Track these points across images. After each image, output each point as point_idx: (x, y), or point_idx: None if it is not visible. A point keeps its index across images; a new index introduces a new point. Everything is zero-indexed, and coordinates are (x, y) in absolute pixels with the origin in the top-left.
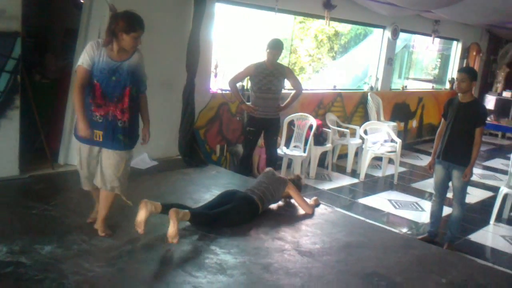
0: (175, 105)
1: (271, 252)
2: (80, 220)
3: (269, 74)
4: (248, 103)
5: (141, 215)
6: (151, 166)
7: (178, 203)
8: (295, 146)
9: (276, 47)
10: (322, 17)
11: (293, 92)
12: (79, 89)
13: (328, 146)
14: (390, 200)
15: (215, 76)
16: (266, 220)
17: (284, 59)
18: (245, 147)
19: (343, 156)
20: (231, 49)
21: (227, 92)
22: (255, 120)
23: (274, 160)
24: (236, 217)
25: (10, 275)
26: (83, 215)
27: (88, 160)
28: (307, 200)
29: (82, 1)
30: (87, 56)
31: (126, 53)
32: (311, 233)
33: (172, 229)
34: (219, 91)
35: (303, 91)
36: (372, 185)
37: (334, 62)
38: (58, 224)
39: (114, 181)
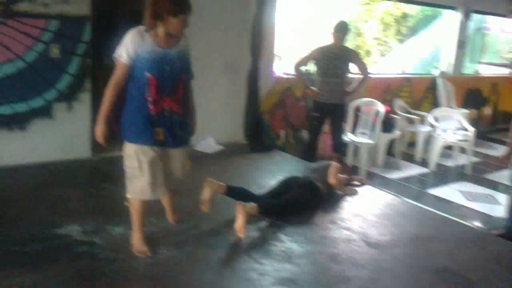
0: (240, 89)
1: (338, 242)
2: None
3: (335, 58)
4: (313, 88)
5: (206, 193)
6: (216, 151)
7: (242, 188)
8: (361, 133)
9: (341, 29)
10: None
11: (361, 78)
12: (115, 87)
13: (397, 133)
14: (461, 192)
15: (279, 59)
16: (332, 208)
17: (349, 42)
18: (310, 133)
19: (412, 144)
20: (296, 33)
21: (292, 76)
22: (320, 105)
23: (340, 147)
24: (301, 204)
25: (84, 254)
26: None
27: (151, 164)
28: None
29: None
30: (129, 47)
31: (173, 39)
32: (379, 223)
33: (239, 222)
34: (284, 75)
35: (369, 76)
36: (443, 175)
37: (402, 45)
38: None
39: (177, 182)
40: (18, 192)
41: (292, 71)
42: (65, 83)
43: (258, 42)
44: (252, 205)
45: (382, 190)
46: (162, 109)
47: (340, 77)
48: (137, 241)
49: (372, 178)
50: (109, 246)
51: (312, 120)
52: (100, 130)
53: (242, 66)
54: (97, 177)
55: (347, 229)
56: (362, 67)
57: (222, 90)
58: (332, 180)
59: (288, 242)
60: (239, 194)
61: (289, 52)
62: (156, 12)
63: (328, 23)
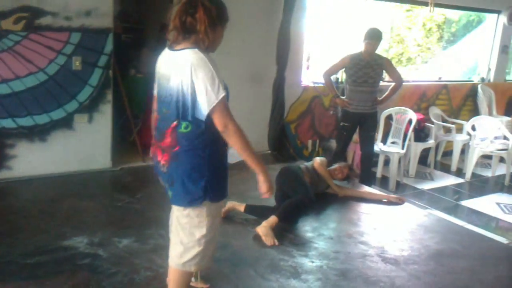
0: (265, 99)
1: (352, 257)
2: (161, 214)
3: (366, 66)
4: (342, 97)
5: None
6: (239, 161)
7: (260, 205)
8: (392, 142)
9: (373, 37)
10: (425, 4)
11: (392, 84)
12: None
13: (431, 142)
14: (498, 204)
15: (307, 68)
16: (351, 222)
17: (391, 50)
18: (339, 142)
19: (448, 153)
20: (326, 41)
21: (320, 85)
22: (350, 114)
23: (369, 157)
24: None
25: (85, 267)
26: (163, 209)
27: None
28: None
29: None
30: (219, 75)
31: None
32: (399, 238)
33: (268, 240)
34: (312, 84)
35: (404, 83)
36: (479, 186)
37: (444, 51)
38: (139, 217)
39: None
40: (33, 203)
41: (320, 79)
42: (86, 94)
43: (284, 51)
44: (270, 220)
45: (409, 201)
46: None
47: (371, 85)
48: None
49: (403, 189)
50: (112, 259)
51: (341, 130)
52: (269, 182)
53: (268, 76)
54: (114, 188)
55: (364, 243)
56: (395, 75)
57: (247, 99)
58: (316, 164)
59: (298, 256)
60: (257, 211)
61: (319, 60)
62: (220, 17)
63: (359, 30)
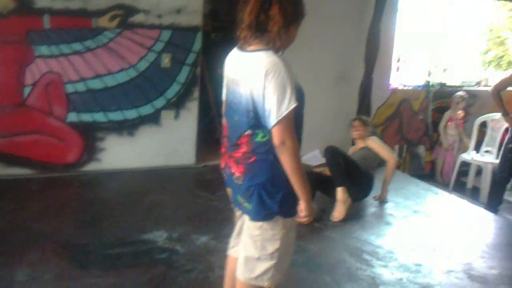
0: (351, 101)
1: (435, 271)
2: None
3: None
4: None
5: None
6: (322, 163)
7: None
8: (486, 151)
9: None
10: None
11: None
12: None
13: None
14: None
15: (397, 70)
16: (435, 233)
17: (489, 52)
18: (502, 166)
19: None
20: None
21: (409, 87)
22: None
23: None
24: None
25: (163, 261)
26: None
27: None
28: None
29: None
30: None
31: None
32: (488, 254)
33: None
34: (401, 87)
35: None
36: None
37: None
38: (218, 215)
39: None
40: (118, 195)
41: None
42: (174, 91)
43: (373, 52)
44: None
45: (504, 217)
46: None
47: None
48: None
49: None
50: (189, 255)
51: (508, 152)
52: (311, 210)
53: (355, 76)
54: (197, 185)
55: (449, 257)
56: None
57: (332, 101)
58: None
59: (378, 266)
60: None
61: (410, 62)
62: (296, 15)
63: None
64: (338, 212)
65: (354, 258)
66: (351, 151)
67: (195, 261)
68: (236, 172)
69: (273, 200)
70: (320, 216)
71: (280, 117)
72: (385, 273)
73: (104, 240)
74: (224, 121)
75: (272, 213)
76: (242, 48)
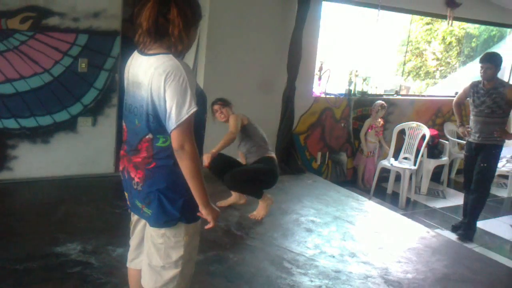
0: (274, 108)
1: (353, 277)
2: None
3: (484, 94)
4: (466, 126)
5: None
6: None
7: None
8: (405, 158)
9: (484, 60)
10: (444, 17)
11: None
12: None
13: (444, 159)
14: None
15: (319, 79)
16: (355, 239)
17: (408, 63)
18: (464, 172)
19: (462, 171)
20: (340, 51)
21: (331, 96)
22: (468, 144)
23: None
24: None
25: (76, 275)
26: None
27: None
28: None
29: None
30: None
31: None
32: (404, 259)
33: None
34: (323, 95)
35: (419, 98)
36: (494, 207)
37: (464, 67)
38: None
39: None
40: (30, 206)
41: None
42: (91, 97)
43: (295, 60)
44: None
45: (419, 220)
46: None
47: (489, 116)
48: None
49: (413, 206)
50: (104, 268)
51: (464, 160)
52: (213, 212)
53: (278, 85)
54: (115, 194)
55: (367, 263)
56: None
57: (256, 108)
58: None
59: (297, 274)
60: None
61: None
62: (195, 17)
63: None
64: (258, 212)
65: (274, 267)
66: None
67: (110, 274)
68: (135, 177)
69: (174, 206)
70: (242, 225)
71: (179, 121)
72: (305, 280)
73: (13, 254)
74: (123, 125)
75: (173, 219)
76: (142, 52)
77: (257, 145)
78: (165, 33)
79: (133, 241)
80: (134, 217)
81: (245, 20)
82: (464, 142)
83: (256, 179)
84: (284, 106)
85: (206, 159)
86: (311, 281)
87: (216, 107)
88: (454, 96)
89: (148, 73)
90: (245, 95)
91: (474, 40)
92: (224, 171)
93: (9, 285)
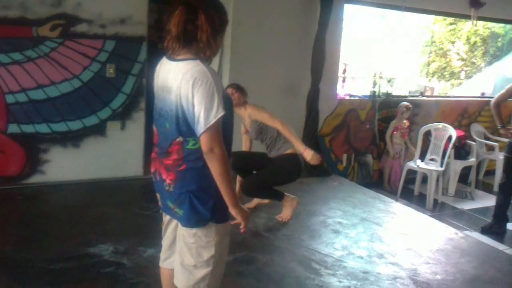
0: (299, 111)
1: (381, 278)
2: None
3: None
4: (509, 128)
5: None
6: None
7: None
8: (431, 159)
9: None
10: (467, 17)
11: None
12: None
13: (471, 160)
14: None
15: (343, 81)
16: (383, 241)
17: (432, 64)
18: (507, 173)
19: (491, 172)
20: (363, 53)
21: (356, 98)
22: (510, 145)
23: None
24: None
25: (108, 275)
26: None
27: None
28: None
29: None
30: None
31: None
32: (433, 260)
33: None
34: (347, 97)
35: (444, 99)
36: None
37: (491, 66)
38: None
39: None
40: (62, 208)
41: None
42: (120, 102)
43: (319, 63)
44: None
45: (447, 222)
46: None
47: None
48: None
49: (441, 208)
50: (136, 268)
51: (507, 162)
52: (243, 213)
53: (302, 88)
54: (144, 197)
55: (395, 264)
56: None
57: (280, 111)
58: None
59: (326, 275)
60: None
61: (356, 73)
62: (221, 23)
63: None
64: (284, 214)
65: (303, 268)
66: (242, 129)
67: (141, 274)
68: (166, 179)
69: (205, 206)
70: (269, 226)
71: (208, 125)
72: (333, 281)
73: (47, 255)
74: (154, 128)
75: (203, 219)
76: (171, 58)
77: (276, 138)
78: (193, 38)
79: (165, 241)
80: (166, 218)
81: (268, 25)
82: (493, 143)
83: (271, 183)
84: (308, 109)
85: (316, 160)
86: (340, 281)
87: (229, 89)
88: (481, 97)
89: (177, 79)
90: (269, 98)
91: (499, 39)
92: (247, 170)
93: (45, 284)
